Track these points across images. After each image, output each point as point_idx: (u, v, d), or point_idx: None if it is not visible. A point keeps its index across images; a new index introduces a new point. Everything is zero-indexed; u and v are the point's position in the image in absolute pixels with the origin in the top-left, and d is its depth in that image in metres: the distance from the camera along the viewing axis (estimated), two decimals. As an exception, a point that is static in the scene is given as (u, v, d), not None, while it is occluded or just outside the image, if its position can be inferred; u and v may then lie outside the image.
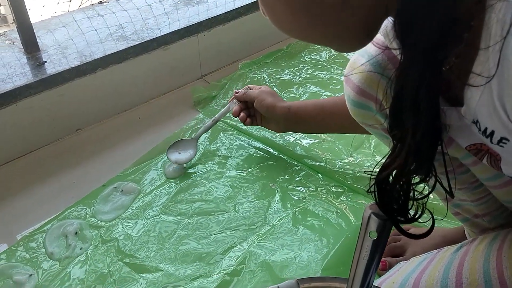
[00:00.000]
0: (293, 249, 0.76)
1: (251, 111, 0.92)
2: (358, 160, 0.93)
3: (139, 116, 1.08)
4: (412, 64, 0.37)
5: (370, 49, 0.56)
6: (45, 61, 0.98)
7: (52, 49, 1.03)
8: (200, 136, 0.95)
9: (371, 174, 0.44)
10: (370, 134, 0.94)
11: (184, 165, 0.92)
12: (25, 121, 0.95)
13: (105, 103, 1.06)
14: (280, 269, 0.73)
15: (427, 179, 0.43)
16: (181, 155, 0.92)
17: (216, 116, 0.96)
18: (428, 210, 0.44)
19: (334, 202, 0.84)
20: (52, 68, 0.97)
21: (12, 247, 0.77)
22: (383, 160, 0.43)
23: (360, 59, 0.57)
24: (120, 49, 1.02)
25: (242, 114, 0.91)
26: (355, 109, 0.60)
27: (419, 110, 0.38)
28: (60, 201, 0.87)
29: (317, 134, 0.99)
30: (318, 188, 0.87)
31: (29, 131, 0.96)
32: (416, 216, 0.44)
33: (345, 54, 1.19)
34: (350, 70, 0.59)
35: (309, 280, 0.55)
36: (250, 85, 0.94)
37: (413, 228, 0.75)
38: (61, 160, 0.96)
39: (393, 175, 0.42)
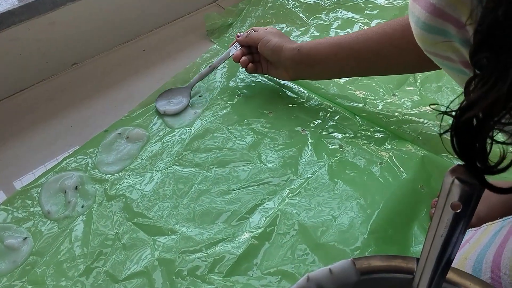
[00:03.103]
0: (331, 208, 0.64)
1: (255, 57, 0.80)
2: (403, 99, 0.79)
3: (143, 48, 0.94)
4: None
5: None
6: (30, -18, 0.83)
7: (38, -33, 0.86)
8: (194, 85, 0.81)
9: (443, 114, 0.33)
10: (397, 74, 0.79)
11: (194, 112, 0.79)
12: (10, 55, 0.81)
13: (104, 32, 0.91)
14: (317, 232, 0.62)
15: None
16: (171, 105, 0.79)
17: (214, 62, 0.82)
18: None
19: (377, 151, 0.71)
20: (38, -10, 0.81)
21: (1, 205, 0.66)
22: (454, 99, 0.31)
23: None
24: (119, -34, 0.86)
25: (243, 58, 0.78)
26: (426, 34, 0.45)
27: None
28: (55, 149, 0.75)
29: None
30: (357, 134, 0.74)
31: (16, 67, 0.83)
32: (504, 166, 0.32)
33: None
34: None
35: (367, 259, 0.43)
36: (254, 27, 0.80)
37: None
38: (55, 100, 0.83)
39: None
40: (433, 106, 0.66)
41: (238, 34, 0.81)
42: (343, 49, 0.69)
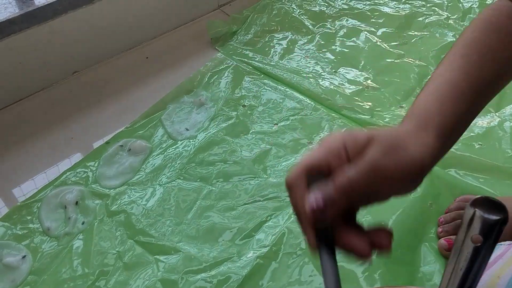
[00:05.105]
0: (339, 226, 0.62)
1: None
2: (411, 112, 0.77)
3: (146, 55, 0.92)
4: None
5: None
6: (30, -11, 0.81)
7: (38, -27, 0.84)
8: None
9: None
10: None
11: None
12: (10, 64, 0.79)
13: (106, 39, 0.89)
14: (325, 252, 0.60)
15: None
16: None
17: None
18: None
19: (386, 166, 0.69)
20: (39, -3, 0.79)
21: (0, 221, 0.65)
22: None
23: None
24: (121, -27, 0.84)
25: None
26: None
27: None
28: (55, 162, 0.73)
29: (358, 79, 0.83)
30: (365, 148, 0.72)
31: (17, 75, 0.81)
32: None
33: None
34: None
35: (380, 290, 0.42)
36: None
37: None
38: (56, 110, 0.81)
39: None
40: None
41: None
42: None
